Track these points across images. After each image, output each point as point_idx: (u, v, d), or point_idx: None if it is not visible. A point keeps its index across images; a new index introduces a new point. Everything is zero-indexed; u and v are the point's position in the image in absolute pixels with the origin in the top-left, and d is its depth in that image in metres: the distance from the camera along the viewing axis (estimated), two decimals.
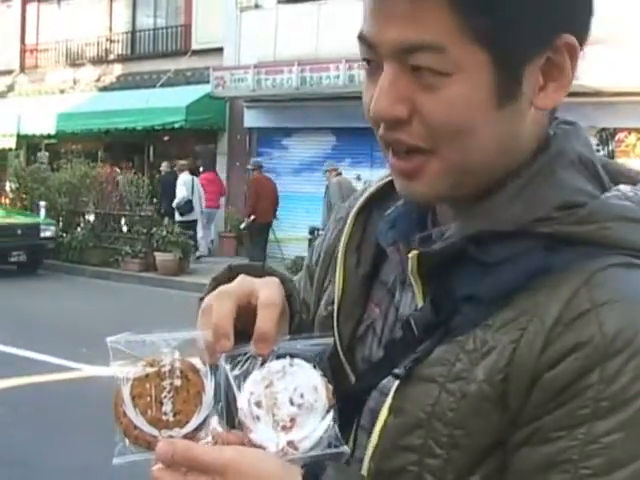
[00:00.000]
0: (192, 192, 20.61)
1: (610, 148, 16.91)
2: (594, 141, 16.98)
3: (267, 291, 1.20)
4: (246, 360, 1.15)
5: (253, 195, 18.73)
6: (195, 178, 21.07)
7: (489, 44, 1.09)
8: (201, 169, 21.34)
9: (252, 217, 18.49)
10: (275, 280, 1.24)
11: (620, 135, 15.89)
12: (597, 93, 15.50)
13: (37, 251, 19.04)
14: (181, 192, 20.51)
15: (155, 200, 21.32)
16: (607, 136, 16.98)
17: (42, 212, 20.47)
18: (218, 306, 1.18)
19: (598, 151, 16.70)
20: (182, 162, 21.63)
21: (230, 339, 1.15)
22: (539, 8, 1.10)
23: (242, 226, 19.38)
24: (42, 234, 19.19)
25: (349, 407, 1.24)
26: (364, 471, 1.18)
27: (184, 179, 20.70)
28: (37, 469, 6.82)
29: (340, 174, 17.51)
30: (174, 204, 20.40)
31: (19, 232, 18.72)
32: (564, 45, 1.12)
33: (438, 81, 1.09)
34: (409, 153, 1.15)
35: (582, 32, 1.15)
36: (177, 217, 20.27)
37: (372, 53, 1.14)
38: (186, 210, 20.16)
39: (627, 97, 15.52)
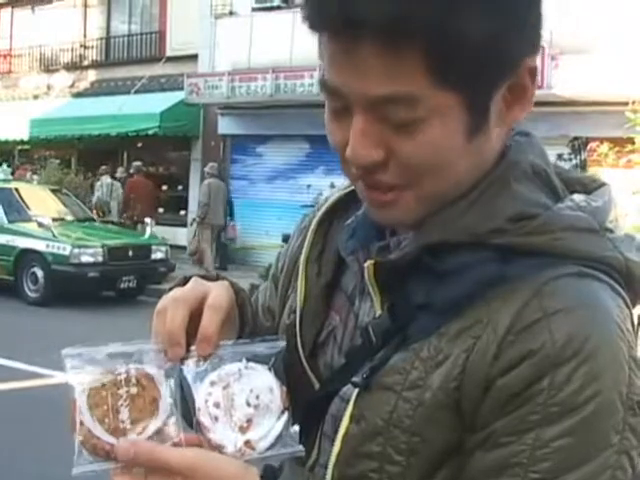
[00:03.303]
0: (110, 195, 21.12)
1: (582, 157, 16.98)
2: (566, 150, 17.07)
3: (215, 294, 1.23)
4: (204, 362, 1.17)
5: (126, 197, 20.85)
6: (115, 182, 21.58)
7: (461, 88, 1.10)
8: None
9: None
10: (226, 283, 1.28)
11: (592, 144, 15.93)
12: (570, 102, 15.59)
13: (147, 275, 16.14)
14: (96, 194, 21.26)
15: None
16: (579, 145, 17.06)
17: (148, 230, 17.60)
18: (172, 312, 1.20)
19: (570, 160, 16.79)
20: (103, 167, 22.54)
21: (182, 346, 1.18)
22: (507, 43, 1.10)
23: None
24: (153, 256, 16.45)
25: (313, 413, 1.26)
26: (328, 477, 1.20)
27: (102, 182, 21.43)
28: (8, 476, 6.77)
29: (216, 177, 18.93)
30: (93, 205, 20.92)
31: (130, 254, 16.04)
32: (526, 69, 1.15)
33: (412, 126, 1.11)
34: (384, 188, 1.18)
35: (538, 49, 1.17)
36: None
37: (339, 100, 1.14)
38: (102, 212, 20.38)
39: (600, 107, 15.60)
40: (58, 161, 25.12)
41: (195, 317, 1.21)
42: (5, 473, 6.80)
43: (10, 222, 16.16)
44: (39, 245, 15.52)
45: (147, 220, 17.92)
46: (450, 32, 1.05)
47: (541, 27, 1.16)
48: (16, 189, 17.43)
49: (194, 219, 19.03)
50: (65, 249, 15.35)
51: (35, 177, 21.33)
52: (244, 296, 1.38)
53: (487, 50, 1.08)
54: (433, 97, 1.09)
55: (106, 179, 21.77)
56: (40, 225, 15.81)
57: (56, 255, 15.30)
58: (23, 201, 17.04)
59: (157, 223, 20.31)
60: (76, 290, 15.19)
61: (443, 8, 1.04)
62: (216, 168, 19.58)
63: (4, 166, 20.23)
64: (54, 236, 15.51)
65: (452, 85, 1.09)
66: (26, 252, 15.65)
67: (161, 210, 23.25)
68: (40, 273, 15.45)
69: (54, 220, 16.26)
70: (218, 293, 1.24)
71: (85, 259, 15.40)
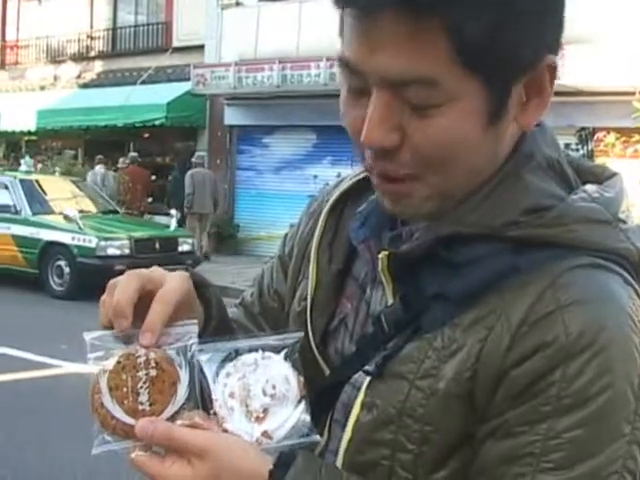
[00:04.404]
0: (102, 184, 21.45)
1: (589, 147, 16.95)
2: (573, 140, 17.04)
3: (167, 287, 1.21)
4: (220, 353, 1.18)
5: (131, 187, 21.23)
6: (108, 172, 21.98)
7: (483, 72, 1.09)
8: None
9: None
10: (185, 275, 1.26)
11: (599, 134, 15.90)
12: (577, 92, 15.55)
13: (175, 269, 14.67)
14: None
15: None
16: (586, 135, 17.02)
17: (173, 222, 17.18)
18: (122, 285, 1.19)
19: (577, 150, 16.75)
20: (98, 157, 23.03)
21: (127, 319, 1.16)
22: (530, 35, 1.10)
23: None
24: (180, 248, 15.93)
25: (323, 400, 1.27)
26: (339, 464, 1.21)
27: (96, 172, 21.81)
28: (18, 467, 6.79)
29: (201, 166, 20.02)
30: None
31: (157, 246, 15.52)
32: (546, 66, 1.14)
33: (430, 110, 1.10)
34: (396, 179, 1.17)
35: (557, 49, 1.17)
36: None
37: (358, 80, 1.13)
38: None
39: (606, 96, 15.56)
40: (73, 152, 25.18)
41: (149, 299, 1.19)
42: (13, 462, 6.82)
43: (34, 214, 15.95)
44: (64, 237, 15.23)
45: (172, 212, 17.73)
46: (474, 11, 1.05)
47: (562, 28, 1.16)
48: (37, 181, 17.20)
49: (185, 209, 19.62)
50: (91, 241, 14.99)
51: (57, 169, 21.25)
52: (211, 291, 1.36)
53: (512, 34, 1.08)
54: (454, 81, 1.08)
55: (100, 169, 22.09)
56: (66, 218, 15.51)
57: (82, 248, 14.97)
58: (46, 193, 16.78)
59: (159, 213, 20.38)
60: (102, 283, 14.16)
61: None
62: (202, 157, 20.30)
63: (27, 157, 20.08)
64: (80, 228, 15.16)
65: (474, 69, 1.08)
66: (51, 245, 15.37)
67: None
68: (65, 266, 15.18)
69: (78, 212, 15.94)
70: (170, 287, 1.21)
71: (111, 252, 14.99)
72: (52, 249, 15.38)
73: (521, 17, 1.08)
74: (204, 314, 1.33)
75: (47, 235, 15.48)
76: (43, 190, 16.84)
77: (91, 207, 17.33)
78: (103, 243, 14.99)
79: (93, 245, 14.96)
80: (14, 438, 7.35)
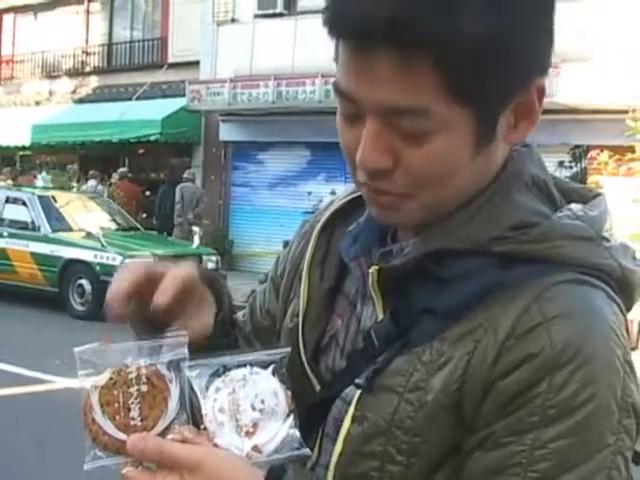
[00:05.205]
0: None
1: (582, 165, 17.01)
2: (567, 158, 17.09)
3: (176, 269, 1.29)
4: (209, 369, 1.18)
5: (125, 200, 21.42)
6: (99, 187, 21.98)
7: (472, 102, 1.12)
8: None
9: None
10: (192, 264, 1.34)
11: (593, 152, 15.96)
12: (571, 110, 15.60)
13: None
14: None
15: None
16: (580, 153, 17.08)
17: (196, 239, 17.05)
18: (121, 275, 1.27)
19: (571, 168, 16.80)
20: (91, 172, 23.03)
21: (119, 303, 1.24)
22: (519, 61, 1.12)
23: None
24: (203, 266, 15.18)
25: (314, 415, 1.28)
26: (330, 477, 1.22)
27: (88, 186, 21.97)
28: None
29: (191, 181, 20.33)
30: None
31: None
32: (535, 88, 1.17)
33: (421, 137, 1.13)
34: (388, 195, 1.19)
35: (547, 70, 1.19)
36: None
37: (352, 106, 1.16)
38: None
39: (600, 115, 15.62)
40: (75, 166, 25.24)
41: (152, 289, 1.27)
42: (12, 475, 6.81)
43: (53, 231, 15.54)
44: (86, 255, 14.78)
45: (195, 229, 17.53)
46: (458, 48, 1.06)
47: (552, 48, 1.18)
48: (54, 197, 16.84)
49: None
50: (115, 259, 14.33)
51: (75, 185, 21.10)
52: (221, 284, 1.44)
53: (498, 65, 1.10)
54: (444, 111, 1.11)
55: (92, 182, 22.20)
56: (89, 235, 15.10)
57: (105, 265, 14.37)
58: (64, 210, 16.40)
59: (152, 228, 20.38)
60: None
61: (451, 19, 1.05)
62: (193, 174, 20.76)
63: (43, 173, 19.74)
64: (103, 246, 14.69)
65: (463, 100, 1.11)
66: (72, 263, 14.93)
67: None
68: (87, 285, 14.72)
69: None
70: (179, 269, 1.30)
71: None
72: (73, 267, 14.94)
73: (506, 52, 1.09)
74: (215, 302, 1.40)
75: (67, 253, 15.05)
76: (62, 207, 16.40)
77: (110, 224, 16.93)
78: (128, 261, 14.20)
79: (117, 263, 14.13)
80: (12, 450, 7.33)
